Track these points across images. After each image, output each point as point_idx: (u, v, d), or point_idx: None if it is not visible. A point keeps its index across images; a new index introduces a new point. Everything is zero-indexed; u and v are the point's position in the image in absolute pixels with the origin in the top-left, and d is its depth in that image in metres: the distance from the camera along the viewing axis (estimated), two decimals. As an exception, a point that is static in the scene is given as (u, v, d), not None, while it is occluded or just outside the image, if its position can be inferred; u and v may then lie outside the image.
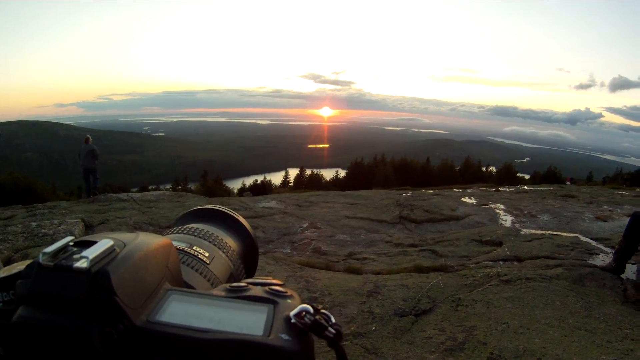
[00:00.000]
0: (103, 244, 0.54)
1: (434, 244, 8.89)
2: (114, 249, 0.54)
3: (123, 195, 15.17)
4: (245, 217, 1.02)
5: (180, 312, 0.54)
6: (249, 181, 71.89)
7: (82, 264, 0.50)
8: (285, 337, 0.51)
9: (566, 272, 6.14)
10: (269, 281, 0.62)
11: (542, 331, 4.41)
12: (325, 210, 13.25)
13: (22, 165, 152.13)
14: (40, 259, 0.51)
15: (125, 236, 0.60)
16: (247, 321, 0.53)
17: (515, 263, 7.01)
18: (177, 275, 0.67)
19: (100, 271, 0.50)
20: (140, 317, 0.52)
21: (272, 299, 0.57)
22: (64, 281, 0.49)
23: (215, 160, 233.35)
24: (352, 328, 4.57)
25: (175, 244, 0.76)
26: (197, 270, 0.77)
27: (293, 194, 19.19)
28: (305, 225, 10.93)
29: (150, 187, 51.79)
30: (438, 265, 6.91)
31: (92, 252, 0.51)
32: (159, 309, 0.55)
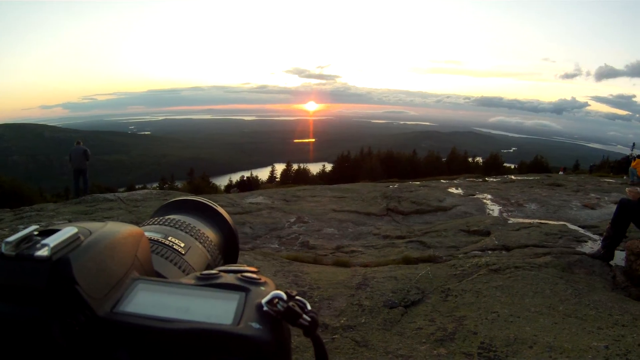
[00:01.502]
0: (66, 231, 0.50)
1: (422, 235, 8.90)
2: (78, 237, 0.51)
3: (110, 195, 15.09)
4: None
5: (147, 301, 0.51)
6: (235, 178, 71.86)
7: (43, 252, 0.47)
8: (256, 325, 0.47)
9: (555, 260, 6.16)
10: (242, 268, 0.58)
11: (533, 319, 4.40)
12: (312, 204, 13.23)
13: (8, 168, 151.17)
14: (3, 248, 0.48)
15: (92, 225, 0.57)
16: (216, 310, 0.50)
17: (503, 252, 7.03)
18: (148, 265, 0.63)
19: (61, 259, 0.47)
20: (104, 307, 0.49)
21: (243, 287, 0.53)
22: (24, 270, 0.46)
23: (202, 158, 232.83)
24: (342, 321, 4.53)
25: (149, 234, 0.74)
26: (171, 261, 0.73)
27: (280, 189, 19.14)
28: (292, 220, 10.89)
29: (137, 187, 51.55)
30: (426, 256, 6.90)
31: (54, 240, 0.48)
32: (125, 299, 0.51)
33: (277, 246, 8.81)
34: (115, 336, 0.47)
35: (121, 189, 38.17)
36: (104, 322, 0.47)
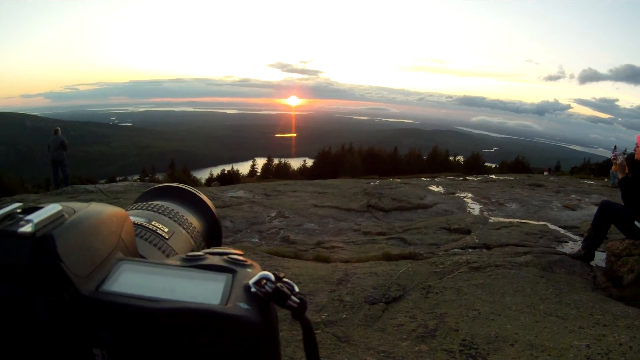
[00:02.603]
0: (50, 208, 0.49)
1: (403, 232, 8.91)
2: (62, 215, 0.50)
3: (90, 187, 15.01)
4: None
5: (132, 281, 0.51)
6: (216, 171, 71.83)
7: (26, 228, 0.45)
8: (244, 305, 0.47)
9: (535, 259, 6.19)
10: (228, 250, 0.57)
11: (514, 317, 4.41)
12: (293, 199, 13.21)
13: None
14: None
15: (76, 204, 0.55)
16: (203, 290, 0.49)
17: (484, 250, 7.05)
18: (132, 247, 0.62)
19: (45, 236, 0.46)
20: (88, 286, 0.48)
21: (230, 268, 0.53)
22: (7, 247, 0.45)
23: (183, 150, 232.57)
24: (323, 316, 4.51)
25: (133, 219, 0.73)
26: (155, 245, 0.72)
27: (261, 184, 19.13)
28: (273, 215, 10.87)
29: (118, 179, 51.33)
30: (407, 253, 6.90)
31: (37, 217, 0.47)
32: (109, 278, 0.51)
33: (257, 240, 8.78)
34: (99, 315, 0.46)
35: (102, 181, 37.95)
36: (89, 301, 0.46)
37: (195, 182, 43.29)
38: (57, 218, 0.49)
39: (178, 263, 0.54)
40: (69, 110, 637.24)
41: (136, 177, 59.22)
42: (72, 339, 0.46)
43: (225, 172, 63.10)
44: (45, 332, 0.44)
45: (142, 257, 0.65)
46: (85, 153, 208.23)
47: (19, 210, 0.49)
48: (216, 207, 0.96)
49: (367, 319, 4.48)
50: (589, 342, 3.89)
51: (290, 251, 7.39)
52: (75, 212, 0.52)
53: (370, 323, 4.41)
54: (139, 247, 0.66)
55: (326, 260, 6.76)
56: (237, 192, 14.14)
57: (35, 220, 0.46)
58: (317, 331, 4.20)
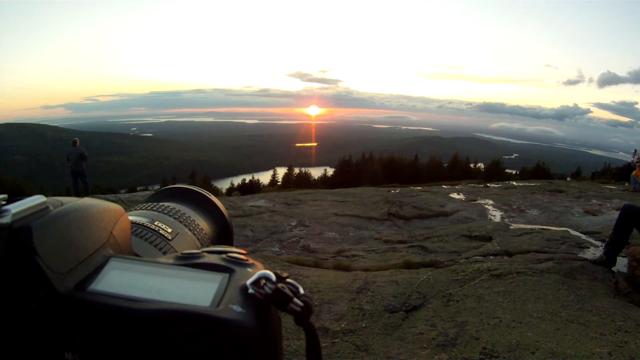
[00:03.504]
0: (33, 199, 0.47)
1: (423, 240, 8.87)
2: (47, 207, 0.48)
3: (111, 197, 15.13)
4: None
5: (118, 280, 0.47)
6: (237, 181, 72.01)
7: (3, 219, 0.43)
8: (238, 309, 0.43)
9: (557, 265, 6.12)
10: (228, 249, 0.53)
11: (535, 325, 4.37)
12: (313, 208, 13.23)
13: (10, 167, 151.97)
14: None
15: (67, 198, 0.53)
16: (194, 291, 0.45)
17: (505, 257, 6.99)
18: (125, 245, 0.58)
19: (22, 227, 0.43)
20: (66, 283, 0.44)
21: (227, 267, 0.49)
22: None
23: (204, 161, 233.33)
24: (342, 325, 4.50)
25: (134, 218, 0.71)
26: (155, 245, 0.69)
27: (281, 193, 19.18)
28: (293, 224, 10.88)
29: (138, 188, 51.56)
30: (428, 261, 6.87)
31: (17, 207, 0.45)
32: (93, 276, 0.47)
33: (277, 249, 8.80)
34: (76, 316, 0.43)
35: (123, 191, 38.18)
36: (66, 300, 0.43)
37: (216, 192, 43.41)
38: (40, 210, 0.47)
39: (171, 261, 0.51)
40: (90, 121, 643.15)
41: (157, 187, 59.41)
42: (44, 340, 0.43)
43: (246, 181, 63.28)
44: (15, 331, 0.41)
45: (137, 256, 0.62)
46: (106, 163, 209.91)
47: (4, 202, 0.47)
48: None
49: (387, 328, 4.47)
50: (611, 349, 3.85)
51: (311, 260, 7.37)
52: (62, 205, 0.50)
53: (390, 332, 4.40)
54: (136, 246, 0.64)
55: (346, 268, 6.74)
56: (257, 202, 14.19)
57: (14, 211, 0.44)
58: (336, 340, 4.21)
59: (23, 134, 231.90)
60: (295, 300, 0.46)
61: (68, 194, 29.55)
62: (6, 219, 0.43)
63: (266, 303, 0.45)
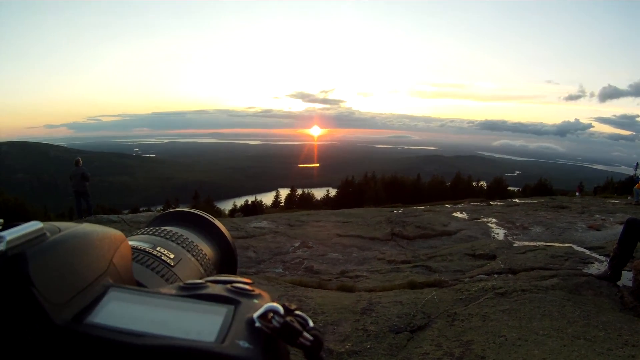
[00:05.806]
0: (30, 225, 0.45)
1: (427, 260, 8.85)
2: (44, 233, 0.46)
3: (114, 217, 15.08)
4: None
5: (117, 312, 0.45)
6: (240, 202, 71.91)
7: None
8: (244, 344, 0.41)
9: (562, 282, 6.10)
10: (233, 278, 0.51)
11: (541, 342, 4.35)
12: (316, 229, 13.20)
13: (12, 186, 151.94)
14: None
15: (66, 224, 0.51)
16: (198, 324, 0.43)
17: (509, 275, 6.97)
18: (126, 274, 0.57)
19: (17, 255, 0.42)
20: (64, 315, 0.42)
21: (233, 298, 0.47)
22: None
23: (206, 181, 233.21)
24: (347, 346, 4.48)
25: (135, 243, 0.69)
26: (157, 272, 0.67)
27: (284, 214, 19.14)
28: (297, 245, 10.86)
29: (141, 209, 51.59)
30: (432, 281, 6.85)
31: (12, 234, 0.43)
32: (92, 307, 0.45)
33: (281, 271, 8.77)
34: (73, 349, 0.41)
35: (125, 211, 38.19)
36: (62, 332, 0.41)
37: (218, 213, 43.35)
38: (37, 237, 0.45)
39: (174, 292, 0.48)
40: (93, 141, 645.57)
41: (159, 208, 59.43)
42: None
43: (249, 202, 63.20)
44: None
45: (139, 284, 0.60)
46: (108, 183, 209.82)
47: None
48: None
49: (392, 349, 4.45)
50: (619, 365, 3.83)
51: (314, 281, 7.35)
52: (60, 231, 0.48)
53: (395, 352, 4.38)
54: (138, 274, 0.62)
55: (350, 289, 6.71)
56: (260, 223, 14.16)
57: (9, 238, 0.42)
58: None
59: (26, 153, 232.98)
60: (305, 334, 0.44)
61: (71, 214, 29.59)
62: (1, 247, 0.41)
63: (274, 337, 0.43)
